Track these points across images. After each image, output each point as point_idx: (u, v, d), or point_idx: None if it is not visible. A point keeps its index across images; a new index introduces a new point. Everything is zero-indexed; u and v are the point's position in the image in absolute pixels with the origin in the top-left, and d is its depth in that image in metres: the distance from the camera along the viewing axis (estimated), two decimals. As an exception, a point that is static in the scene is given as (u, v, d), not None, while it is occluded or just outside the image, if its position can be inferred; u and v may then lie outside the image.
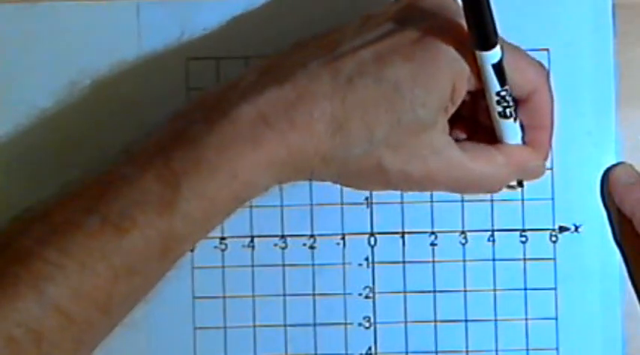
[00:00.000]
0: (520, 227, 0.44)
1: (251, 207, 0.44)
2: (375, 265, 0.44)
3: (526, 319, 0.44)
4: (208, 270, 0.44)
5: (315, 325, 0.44)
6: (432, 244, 0.44)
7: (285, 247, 0.44)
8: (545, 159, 0.41)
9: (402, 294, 0.44)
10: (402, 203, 0.44)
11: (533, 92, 0.38)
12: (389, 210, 0.44)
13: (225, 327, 0.44)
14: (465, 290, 0.44)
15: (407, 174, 0.37)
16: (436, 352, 0.44)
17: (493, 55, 0.36)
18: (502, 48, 0.36)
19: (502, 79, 0.36)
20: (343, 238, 0.44)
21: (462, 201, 0.44)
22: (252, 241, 0.44)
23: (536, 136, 0.40)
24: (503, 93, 0.37)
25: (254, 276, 0.44)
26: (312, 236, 0.44)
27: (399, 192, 0.44)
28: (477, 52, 0.35)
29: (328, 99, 0.35)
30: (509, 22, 0.43)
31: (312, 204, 0.44)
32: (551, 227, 0.44)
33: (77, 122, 0.44)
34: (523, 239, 0.44)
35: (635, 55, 0.44)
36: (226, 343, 0.44)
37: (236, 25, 0.44)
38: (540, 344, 0.44)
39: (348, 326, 0.44)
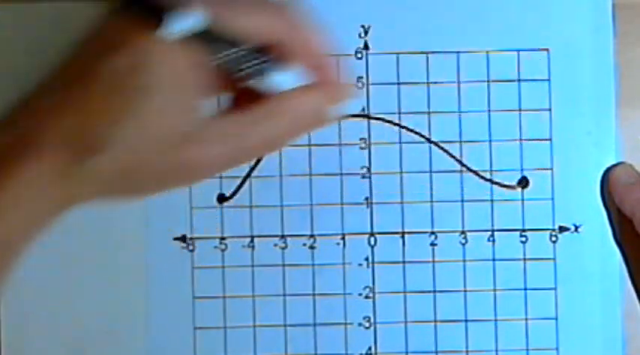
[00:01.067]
0: (520, 227, 0.44)
1: (251, 207, 0.44)
2: (375, 265, 0.44)
3: (526, 319, 0.44)
4: (208, 270, 0.44)
5: (315, 325, 0.44)
6: (432, 244, 0.44)
7: (285, 247, 0.44)
8: (335, 98, 0.37)
9: (402, 294, 0.44)
10: (402, 203, 0.44)
11: (279, 37, 0.35)
12: (389, 210, 0.44)
13: (225, 327, 0.44)
14: (465, 290, 0.44)
15: (184, 164, 0.34)
16: (436, 352, 0.44)
17: (182, 25, 0.32)
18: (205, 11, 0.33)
19: (219, 44, 0.33)
20: (343, 238, 0.44)
21: (462, 201, 0.44)
22: (252, 241, 0.44)
23: (317, 75, 0.37)
24: (230, 56, 0.34)
25: (254, 276, 0.44)
26: (312, 236, 0.44)
27: (399, 192, 0.44)
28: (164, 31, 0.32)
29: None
30: (509, 22, 0.44)
31: (312, 204, 0.44)
32: (551, 227, 0.44)
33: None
34: (523, 239, 0.44)
35: (635, 55, 0.44)
36: (226, 343, 0.44)
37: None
38: (540, 344, 0.44)
39: (348, 326, 0.44)
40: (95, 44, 0.35)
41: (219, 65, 0.34)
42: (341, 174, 0.44)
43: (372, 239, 0.44)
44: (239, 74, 0.35)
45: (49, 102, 0.34)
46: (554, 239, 0.44)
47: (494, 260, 0.44)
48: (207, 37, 0.33)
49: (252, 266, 0.44)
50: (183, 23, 0.32)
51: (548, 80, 0.44)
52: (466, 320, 0.44)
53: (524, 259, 0.44)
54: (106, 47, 0.34)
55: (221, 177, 0.44)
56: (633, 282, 0.43)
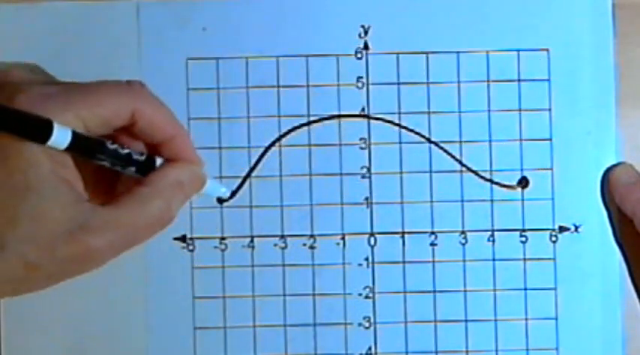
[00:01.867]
0: (520, 227, 0.44)
1: (251, 207, 0.44)
2: (375, 265, 0.44)
3: (526, 319, 0.44)
4: (208, 270, 0.44)
5: (315, 325, 0.44)
6: (432, 244, 0.44)
7: (285, 247, 0.44)
8: (195, 163, 0.39)
9: (402, 294, 0.44)
10: (402, 203, 0.44)
11: (132, 117, 0.37)
12: (389, 210, 0.44)
13: (225, 327, 0.44)
14: (465, 290, 0.44)
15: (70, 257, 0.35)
16: (436, 352, 0.44)
17: (56, 142, 0.34)
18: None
19: (90, 148, 0.35)
20: (343, 238, 0.44)
21: (462, 201, 0.44)
22: (252, 241, 0.44)
23: (169, 148, 0.38)
24: (105, 155, 0.36)
25: (254, 276, 0.44)
26: (312, 236, 0.44)
27: (399, 192, 0.44)
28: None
29: None
30: (509, 22, 0.44)
31: (312, 204, 0.44)
32: (551, 227, 0.44)
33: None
34: (523, 239, 0.44)
35: (635, 55, 0.44)
36: (226, 343, 0.44)
37: (236, 25, 0.44)
38: (540, 344, 0.44)
39: (348, 326, 0.44)
40: None
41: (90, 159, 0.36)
42: (341, 174, 0.44)
43: (372, 239, 0.44)
44: (106, 163, 0.36)
45: None
46: (554, 239, 0.44)
47: (494, 260, 0.44)
48: (79, 145, 0.35)
49: (252, 266, 0.44)
50: (59, 138, 0.34)
51: (548, 80, 0.44)
52: (466, 320, 0.44)
53: (524, 259, 0.44)
54: None
55: (221, 177, 0.44)
56: (633, 282, 0.43)
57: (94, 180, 0.38)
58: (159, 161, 0.38)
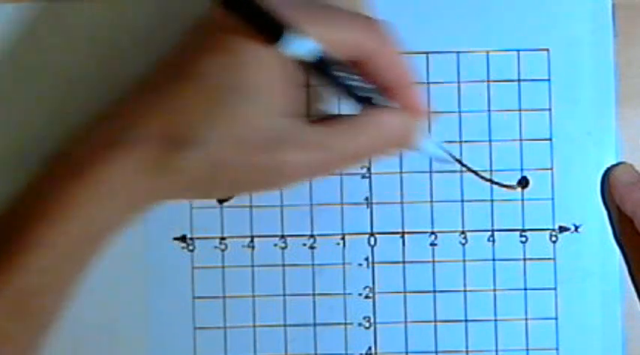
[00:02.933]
0: (520, 227, 0.44)
1: (251, 207, 0.44)
2: (375, 265, 0.44)
3: (526, 319, 0.44)
4: (208, 270, 0.44)
5: (315, 325, 0.44)
6: (432, 244, 0.44)
7: (285, 247, 0.44)
8: (417, 119, 0.38)
9: (402, 294, 0.44)
10: (402, 203, 0.44)
11: (369, 54, 0.36)
12: (389, 210, 0.44)
13: (225, 327, 0.44)
14: (465, 290, 0.44)
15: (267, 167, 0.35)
16: (436, 352, 0.44)
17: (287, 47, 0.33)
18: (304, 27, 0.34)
19: (328, 69, 0.35)
20: (343, 238, 0.44)
21: (462, 201, 0.44)
22: (252, 241, 0.44)
23: (400, 97, 0.38)
24: (338, 80, 0.35)
25: (254, 276, 0.44)
26: (312, 236, 0.44)
27: (399, 192, 0.44)
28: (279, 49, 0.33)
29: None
30: (509, 22, 0.44)
31: (312, 204, 0.44)
32: (551, 227, 0.44)
33: (78, 122, 0.44)
34: (523, 239, 0.44)
35: (635, 55, 0.44)
36: (226, 343, 0.44)
37: (236, 25, 0.44)
38: (540, 344, 0.44)
39: (348, 326, 0.44)
40: (197, 41, 0.35)
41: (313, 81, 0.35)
42: (341, 174, 0.44)
43: (372, 239, 0.44)
44: (331, 91, 0.36)
45: (145, 99, 0.35)
46: (554, 239, 0.44)
47: (494, 260, 0.44)
48: (311, 61, 0.34)
49: (252, 266, 0.44)
50: (293, 46, 0.33)
51: (548, 80, 0.44)
52: (466, 320, 0.44)
53: (524, 259, 0.44)
54: (208, 46, 0.34)
55: (221, 177, 0.44)
56: (634, 282, 0.43)
57: (315, 103, 0.38)
58: None
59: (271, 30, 0.33)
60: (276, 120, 0.35)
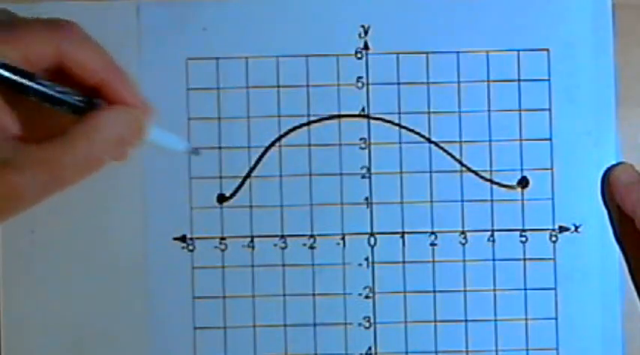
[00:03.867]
0: (520, 227, 0.44)
1: (251, 207, 0.44)
2: (375, 265, 0.44)
3: (526, 319, 0.44)
4: (208, 270, 0.44)
5: (315, 325, 0.44)
6: (432, 244, 0.44)
7: (285, 247, 0.44)
8: (138, 111, 0.37)
9: (402, 294, 0.44)
10: (402, 203, 0.44)
11: (57, 57, 0.35)
12: (389, 210, 0.44)
13: (225, 327, 0.44)
14: (465, 290, 0.44)
15: None
16: (436, 352, 0.44)
17: None
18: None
19: (16, 81, 0.34)
20: (343, 238, 0.44)
21: (462, 201, 0.44)
22: (252, 241, 0.44)
23: (107, 93, 0.36)
24: (33, 91, 0.34)
25: (254, 276, 0.44)
26: (312, 236, 0.44)
27: (399, 192, 0.44)
28: None
29: None
30: (509, 22, 0.44)
31: (312, 204, 0.44)
32: (551, 227, 0.44)
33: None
34: (523, 239, 0.44)
35: (635, 55, 0.44)
36: (226, 343, 0.44)
37: (236, 25, 0.44)
38: (540, 344, 0.44)
39: (348, 326, 0.44)
40: None
41: (20, 94, 0.34)
42: (341, 174, 0.44)
43: (372, 239, 0.44)
44: (42, 103, 0.35)
45: None
46: (554, 239, 0.44)
47: (494, 260, 0.44)
48: (4, 76, 0.34)
49: (252, 266, 0.44)
50: None
51: (548, 80, 0.44)
52: (466, 320, 0.44)
53: (524, 259, 0.44)
54: None
55: (221, 177, 0.44)
56: (634, 280, 0.43)
57: (36, 121, 0.36)
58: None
59: None
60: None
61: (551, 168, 0.44)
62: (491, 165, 0.44)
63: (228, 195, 0.44)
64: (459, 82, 0.44)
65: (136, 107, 0.37)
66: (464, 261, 0.44)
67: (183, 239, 0.44)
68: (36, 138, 0.35)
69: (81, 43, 0.36)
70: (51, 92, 0.35)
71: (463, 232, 0.44)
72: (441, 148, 0.44)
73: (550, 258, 0.44)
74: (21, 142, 0.34)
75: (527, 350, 0.44)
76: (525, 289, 0.44)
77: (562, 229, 0.44)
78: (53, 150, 0.35)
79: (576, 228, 0.44)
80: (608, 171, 0.43)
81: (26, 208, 0.35)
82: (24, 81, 0.35)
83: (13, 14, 0.37)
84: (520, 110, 0.44)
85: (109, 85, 0.37)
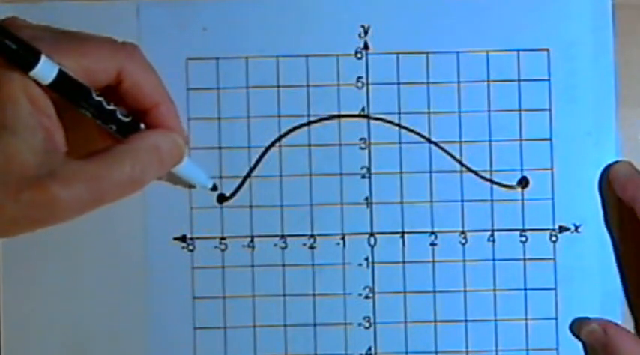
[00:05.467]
0: (520, 227, 0.44)
1: (251, 207, 0.44)
2: (375, 265, 0.44)
3: (526, 319, 0.44)
4: (208, 270, 0.44)
5: (315, 325, 0.44)
6: (432, 244, 0.44)
7: (285, 247, 0.44)
8: (181, 137, 0.39)
9: (402, 294, 0.44)
10: (402, 203, 0.44)
11: (118, 76, 0.37)
12: (389, 210, 0.44)
13: (225, 327, 0.44)
14: (465, 290, 0.44)
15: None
16: (436, 352, 0.44)
17: (40, 74, 0.34)
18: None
19: (75, 93, 0.35)
20: (343, 238, 0.44)
21: (462, 201, 0.44)
22: (252, 241, 0.44)
23: (154, 117, 0.38)
24: (88, 104, 0.36)
25: (254, 276, 0.44)
26: (312, 236, 0.44)
27: (399, 192, 0.44)
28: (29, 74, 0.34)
29: None
30: (509, 22, 0.44)
31: (312, 204, 0.44)
32: (551, 227, 0.44)
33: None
34: (523, 239, 0.44)
35: (635, 55, 0.44)
36: (226, 343, 0.44)
37: (236, 25, 0.44)
38: (540, 344, 0.44)
39: (348, 326, 0.44)
40: None
41: (74, 108, 0.36)
42: (341, 174, 0.44)
43: (372, 239, 0.44)
44: (94, 118, 0.36)
45: None
46: (554, 239, 0.44)
47: (494, 260, 0.44)
48: (64, 86, 0.35)
49: (252, 266, 0.44)
50: (44, 71, 0.34)
51: (548, 80, 0.44)
52: (466, 320, 0.44)
53: (524, 259, 0.44)
54: None
55: (221, 177, 0.44)
56: (621, 270, 0.43)
57: (80, 136, 0.37)
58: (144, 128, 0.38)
59: (25, 59, 0.33)
60: (42, 155, 0.34)
61: (551, 168, 0.44)
62: (491, 165, 0.44)
63: (228, 195, 0.44)
64: (459, 82, 0.44)
65: (178, 132, 0.39)
66: (464, 261, 0.44)
67: (183, 239, 0.44)
68: (75, 153, 0.36)
69: (141, 64, 0.38)
70: (106, 107, 0.36)
71: (463, 232, 0.44)
72: (441, 148, 0.44)
73: (550, 258, 0.44)
74: (67, 156, 0.35)
75: (527, 350, 0.44)
76: (525, 289, 0.44)
77: (562, 229, 0.44)
78: (99, 166, 0.35)
79: (576, 228, 0.44)
80: (608, 167, 0.43)
81: (62, 221, 0.36)
82: (96, 102, 0.36)
83: (51, 28, 0.38)
84: (520, 110, 0.44)
85: (158, 110, 0.38)
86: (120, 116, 0.37)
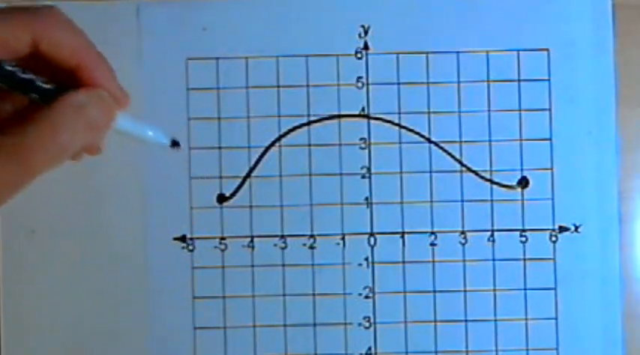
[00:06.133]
0: (520, 227, 0.44)
1: (251, 207, 0.44)
2: (375, 265, 0.44)
3: (526, 319, 0.44)
4: (208, 270, 0.44)
5: (315, 325, 0.44)
6: (432, 244, 0.44)
7: (285, 247, 0.44)
8: (110, 95, 0.36)
9: (402, 294, 0.44)
10: (402, 203, 0.44)
11: (34, 42, 0.34)
12: (389, 210, 0.44)
13: (225, 327, 0.44)
14: (465, 290, 0.44)
15: None
16: (436, 352, 0.44)
17: None
18: None
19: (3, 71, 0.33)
20: (343, 238, 0.44)
21: (462, 201, 0.44)
22: (252, 241, 0.44)
23: (83, 78, 0.35)
24: (18, 78, 0.34)
25: (254, 276, 0.44)
26: (312, 236, 0.44)
27: (399, 192, 0.44)
28: None
29: None
30: (509, 22, 0.44)
31: (312, 204, 0.44)
32: (551, 227, 0.44)
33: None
34: (523, 239, 0.44)
35: (635, 55, 0.44)
36: (226, 343, 0.44)
37: (236, 25, 0.44)
38: (540, 344, 0.44)
39: (348, 326, 0.44)
40: None
41: None
42: (341, 174, 0.44)
43: (372, 239, 0.44)
44: (11, 90, 0.34)
45: None
46: (554, 239, 0.44)
47: (494, 260, 0.44)
48: None
49: (252, 266, 0.44)
50: None
51: (548, 80, 0.44)
52: (466, 320, 0.44)
53: (524, 259, 0.44)
54: None
55: (221, 177, 0.44)
56: None
57: (13, 110, 0.36)
58: None
59: None
60: None
61: (551, 168, 0.44)
62: (491, 165, 0.44)
63: (228, 195, 0.44)
64: (459, 82, 0.44)
65: (108, 91, 0.36)
66: (464, 260, 0.44)
67: (183, 239, 0.44)
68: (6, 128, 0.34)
69: (58, 25, 0.35)
70: (21, 76, 0.34)
71: (463, 232, 0.44)
72: (441, 148, 0.44)
73: (550, 258, 0.44)
74: None
75: (527, 350, 0.44)
76: (525, 289, 0.44)
77: (562, 229, 0.44)
78: (19, 137, 0.34)
79: (576, 228, 0.44)
80: None
81: (8, 198, 0.34)
82: (15, 73, 0.34)
83: None
84: (520, 110, 0.44)
85: (85, 69, 0.35)
86: (39, 83, 0.35)
